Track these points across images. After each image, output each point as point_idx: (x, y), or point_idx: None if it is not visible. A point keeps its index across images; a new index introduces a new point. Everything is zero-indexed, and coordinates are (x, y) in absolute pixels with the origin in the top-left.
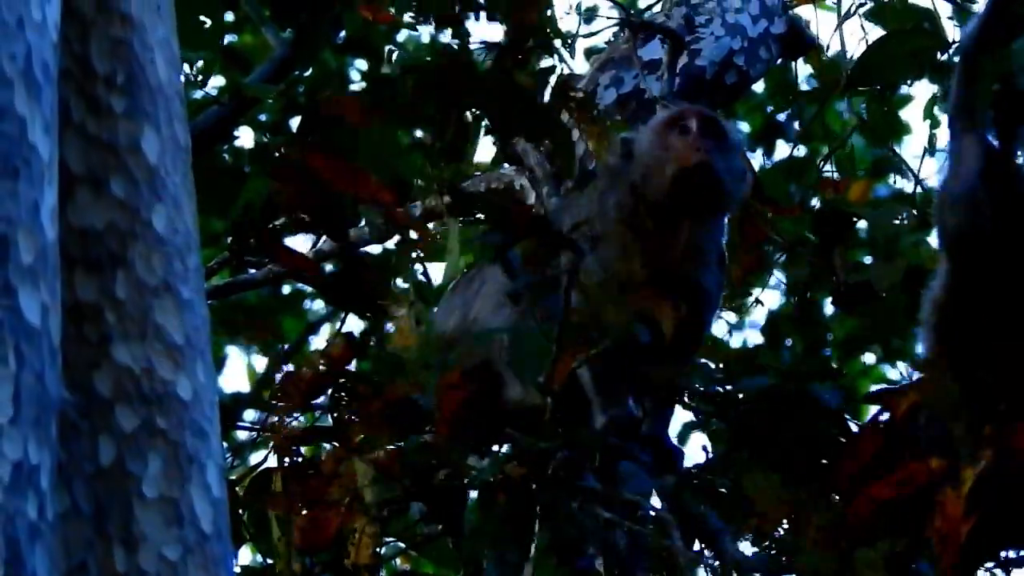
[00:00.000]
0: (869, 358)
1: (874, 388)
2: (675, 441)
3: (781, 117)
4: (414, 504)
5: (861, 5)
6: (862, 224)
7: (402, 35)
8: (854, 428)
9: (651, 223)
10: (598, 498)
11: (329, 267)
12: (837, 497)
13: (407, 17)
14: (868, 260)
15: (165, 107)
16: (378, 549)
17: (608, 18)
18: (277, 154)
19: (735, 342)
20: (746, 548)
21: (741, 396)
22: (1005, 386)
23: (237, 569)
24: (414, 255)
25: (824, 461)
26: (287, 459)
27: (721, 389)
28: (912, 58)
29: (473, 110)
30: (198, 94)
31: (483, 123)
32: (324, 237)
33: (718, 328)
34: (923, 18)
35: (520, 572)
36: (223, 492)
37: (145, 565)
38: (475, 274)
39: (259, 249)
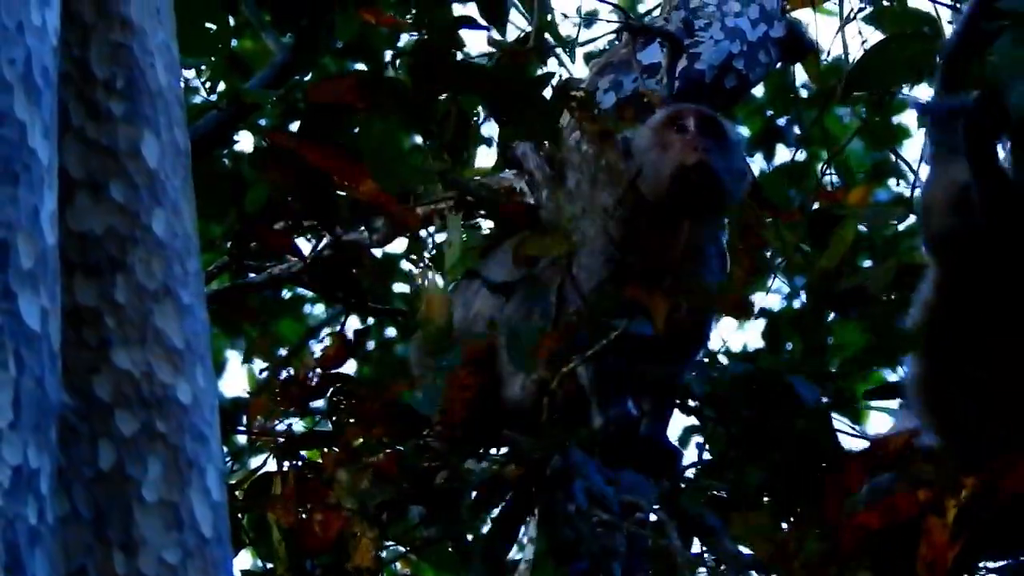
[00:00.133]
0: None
1: (872, 388)
2: (676, 443)
3: (781, 122)
4: (414, 507)
5: (861, 9)
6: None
7: (403, 40)
8: (844, 430)
9: (650, 222)
10: (596, 500)
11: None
12: (825, 526)
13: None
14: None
15: (165, 112)
16: (379, 552)
17: (608, 22)
18: (264, 142)
19: (735, 345)
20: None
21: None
22: (1002, 382)
23: (237, 573)
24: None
25: (814, 466)
26: (287, 463)
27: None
28: (912, 62)
29: (473, 111)
30: (197, 98)
31: (483, 124)
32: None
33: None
34: (923, 22)
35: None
36: (223, 496)
37: (145, 569)
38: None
39: (256, 243)
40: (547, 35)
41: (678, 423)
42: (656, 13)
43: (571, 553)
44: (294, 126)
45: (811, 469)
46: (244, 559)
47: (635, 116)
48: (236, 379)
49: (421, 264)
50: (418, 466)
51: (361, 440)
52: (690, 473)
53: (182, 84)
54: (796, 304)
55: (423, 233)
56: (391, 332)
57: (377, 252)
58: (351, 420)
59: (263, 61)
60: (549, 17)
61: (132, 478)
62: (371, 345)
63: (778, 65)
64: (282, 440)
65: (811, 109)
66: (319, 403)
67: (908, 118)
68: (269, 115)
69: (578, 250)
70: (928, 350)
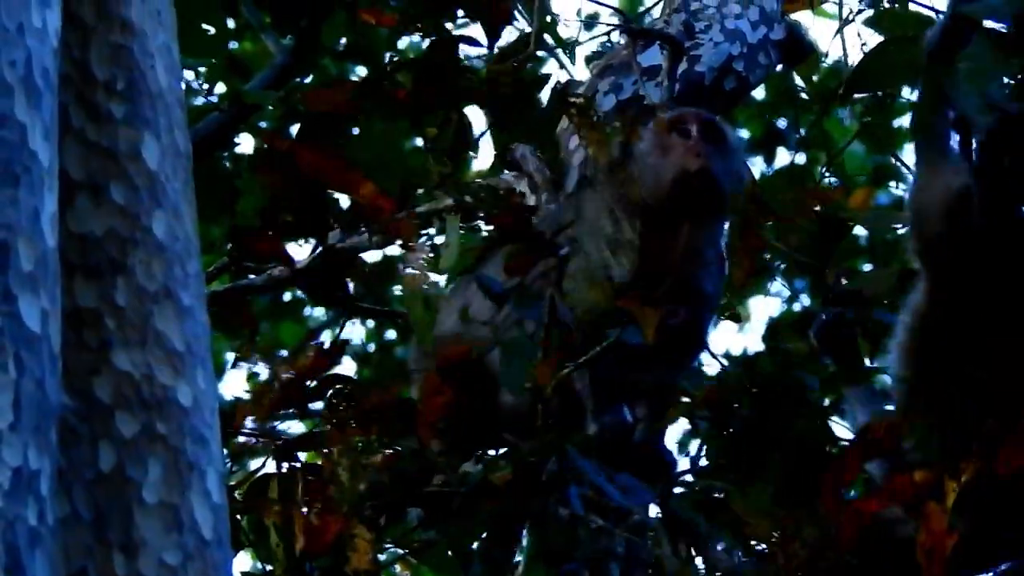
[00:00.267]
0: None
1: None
2: (675, 449)
3: (781, 124)
4: (412, 510)
5: (860, 11)
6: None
7: (403, 42)
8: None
9: (650, 226)
10: (590, 505)
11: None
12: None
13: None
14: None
15: (165, 113)
16: (377, 555)
17: (608, 25)
18: (264, 146)
19: (735, 349)
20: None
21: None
22: (1000, 382)
23: (236, 575)
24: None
25: (813, 467)
26: (285, 464)
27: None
28: (911, 65)
29: (471, 110)
30: (198, 100)
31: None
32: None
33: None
34: (922, 25)
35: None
36: (223, 498)
37: (145, 571)
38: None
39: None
40: (547, 36)
41: (677, 427)
42: (656, 15)
43: (563, 556)
44: (294, 128)
45: (811, 469)
46: (244, 561)
47: (635, 119)
48: (236, 381)
49: (414, 268)
50: (411, 469)
51: (360, 441)
52: (688, 478)
53: (183, 86)
54: (796, 307)
55: (423, 235)
56: (391, 334)
57: (377, 253)
58: (351, 421)
59: (263, 63)
60: (549, 19)
61: (132, 480)
62: (371, 348)
63: (778, 67)
64: (279, 442)
65: (809, 113)
66: (318, 404)
67: (908, 120)
68: (269, 117)
69: (573, 257)
70: (919, 355)
